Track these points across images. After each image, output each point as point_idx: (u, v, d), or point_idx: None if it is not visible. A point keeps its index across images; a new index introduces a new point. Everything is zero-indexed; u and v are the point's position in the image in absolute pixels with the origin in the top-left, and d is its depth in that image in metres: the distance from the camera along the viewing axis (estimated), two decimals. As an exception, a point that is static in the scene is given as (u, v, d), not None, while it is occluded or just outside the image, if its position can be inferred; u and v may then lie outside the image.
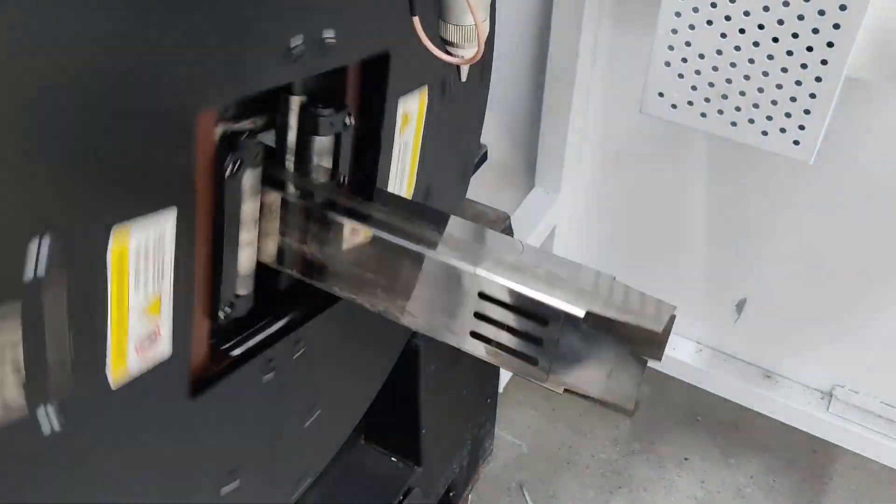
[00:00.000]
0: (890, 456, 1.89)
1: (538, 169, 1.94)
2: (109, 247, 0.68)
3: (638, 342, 0.74)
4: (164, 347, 0.78)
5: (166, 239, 0.73)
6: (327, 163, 0.91)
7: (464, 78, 0.78)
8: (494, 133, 1.91)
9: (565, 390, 0.75)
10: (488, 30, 0.73)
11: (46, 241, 0.62)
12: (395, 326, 0.87)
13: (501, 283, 0.76)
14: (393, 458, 1.41)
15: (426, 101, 0.98)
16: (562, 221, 2.00)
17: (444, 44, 0.73)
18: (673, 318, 0.74)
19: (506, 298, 0.76)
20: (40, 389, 0.66)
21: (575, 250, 2.05)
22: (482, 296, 0.77)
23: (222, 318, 0.85)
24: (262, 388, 0.92)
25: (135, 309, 0.73)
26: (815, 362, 1.93)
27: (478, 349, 0.80)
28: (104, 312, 0.70)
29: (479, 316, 0.78)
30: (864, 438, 1.88)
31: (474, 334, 0.79)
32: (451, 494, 1.60)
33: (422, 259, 0.80)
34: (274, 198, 0.85)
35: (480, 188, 1.41)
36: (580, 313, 0.72)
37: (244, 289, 0.87)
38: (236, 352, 0.89)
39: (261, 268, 0.89)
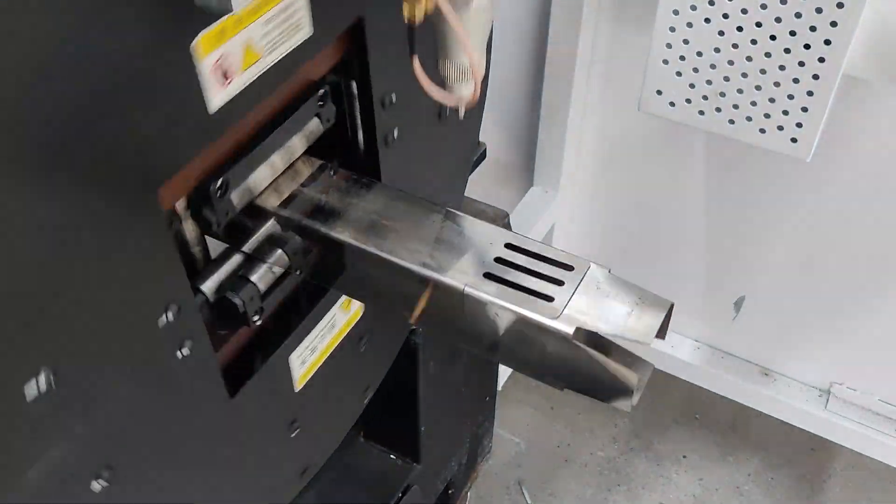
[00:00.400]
0: (888, 453, 1.89)
1: (537, 167, 1.94)
2: None
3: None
4: None
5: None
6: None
7: (462, 115, 0.77)
8: (493, 131, 1.91)
9: (577, 330, 0.72)
10: (485, 68, 0.73)
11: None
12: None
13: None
14: (392, 456, 1.41)
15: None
16: (560, 219, 2.00)
17: (442, 81, 0.73)
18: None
19: (535, 249, 0.76)
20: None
21: (573, 248, 2.05)
22: (508, 246, 0.77)
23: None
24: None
25: None
26: (813, 360, 1.93)
27: (488, 289, 0.77)
28: None
29: (500, 260, 0.77)
30: (862, 436, 1.89)
31: (488, 275, 0.77)
32: (450, 492, 1.60)
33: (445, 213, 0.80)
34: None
35: (479, 186, 1.41)
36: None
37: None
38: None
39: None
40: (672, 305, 0.74)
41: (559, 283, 0.75)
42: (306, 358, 0.98)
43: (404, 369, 1.25)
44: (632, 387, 0.73)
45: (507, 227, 1.45)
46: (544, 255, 0.78)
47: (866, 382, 1.89)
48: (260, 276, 0.83)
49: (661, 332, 0.72)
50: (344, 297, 0.99)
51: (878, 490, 2.03)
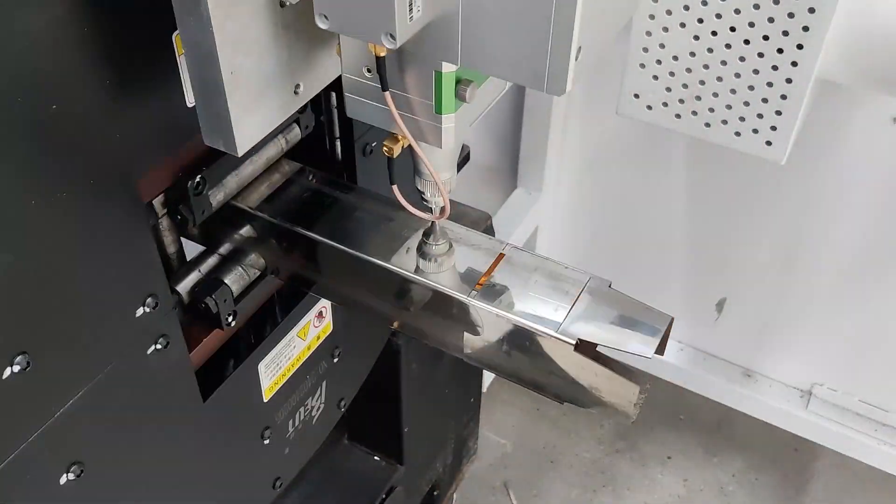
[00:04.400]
0: (869, 454, 1.90)
1: (520, 169, 1.95)
2: None
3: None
4: None
5: None
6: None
7: (438, 230, 0.80)
8: (477, 134, 1.92)
9: (579, 342, 0.73)
10: (454, 185, 0.78)
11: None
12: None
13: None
14: (376, 458, 1.41)
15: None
16: (544, 222, 2.01)
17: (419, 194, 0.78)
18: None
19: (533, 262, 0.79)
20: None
21: (557, 250, 2.06)
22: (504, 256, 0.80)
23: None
24: None
25: None
26: (795, 361, 1.94)
27: (489, 301, 0.79)
28: None
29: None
30: (843, 436, 1.90)
31: (487, 286, 0.79)
32: (434, 494, 1.61)
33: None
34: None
35: (462, 188, 1.41)
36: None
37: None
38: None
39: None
40: (672, 320, 0.74)
41: (560, 295, 0.77)
42: (276, 367, 0.98)
43: (387, 371, 1.25)
44: (633, 399, 0.74)
45: (490, 228, 1.46)
46: (543, 267, 0.80)
47: (847, 383, 1.90)
48: (234, 279, 0.84)
49: (661, 348, 0.73)
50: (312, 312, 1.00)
51: (860, 490, 2.04)
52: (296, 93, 0.70)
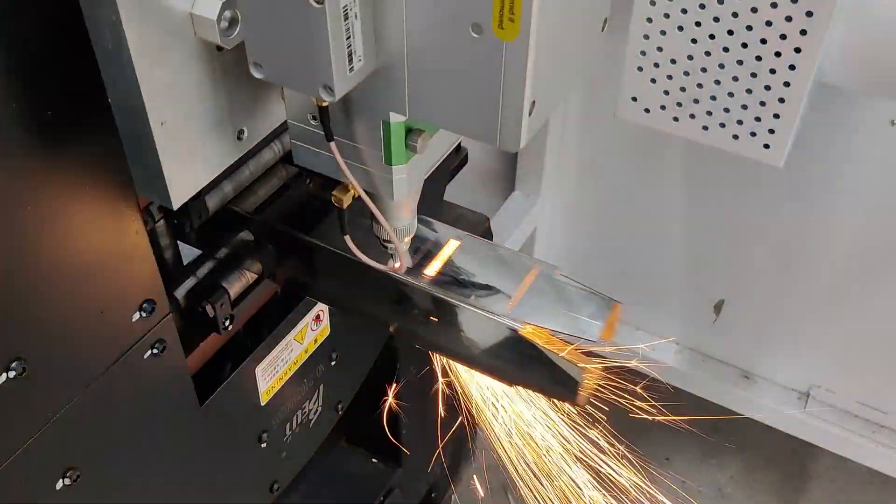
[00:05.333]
0: (867, 455, 1.90)
1: (518, 172, 1.95)
2: None
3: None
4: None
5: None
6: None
7: (402, 267, 0.79)
8: (475, 136, 1.91)
9: (525, 326, 0.74)
10: (414, 230, 0.75)
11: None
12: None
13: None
14: (374, 459, 1.41)
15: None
16: (541, 224, 2.01)
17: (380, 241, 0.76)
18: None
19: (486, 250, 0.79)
20: None
21: (555, 253, 2.06)
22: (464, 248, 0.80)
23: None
24: None
25: None
26: (793, 362, 1.94)
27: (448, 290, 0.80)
28: None
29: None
30: (841, 438, 1.90)
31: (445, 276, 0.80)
32: (432, 495, 1.61)
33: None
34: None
35: (460, 191, 1.42)
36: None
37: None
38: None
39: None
40: (618, 305, 0.75)
41: (511, 281, 0.77)
42: (273, 371, 0.98)
43: (385, 373, 1.25)
44: (578, 381, 0.74)
45: (488, 231, 1.46)
46: (496, 253, 0.81)
47: (845, 385, 1.90)
48: (231, 283, 0.83)
49: (609, 331, 0.74)
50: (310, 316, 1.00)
51: (859, 492, 2.04)
52: (239, 139, 0.65)
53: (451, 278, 0.78)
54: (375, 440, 1.39)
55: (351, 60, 0.54)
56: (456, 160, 1.36)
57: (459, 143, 1.40)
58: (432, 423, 1.46)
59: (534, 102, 0.54)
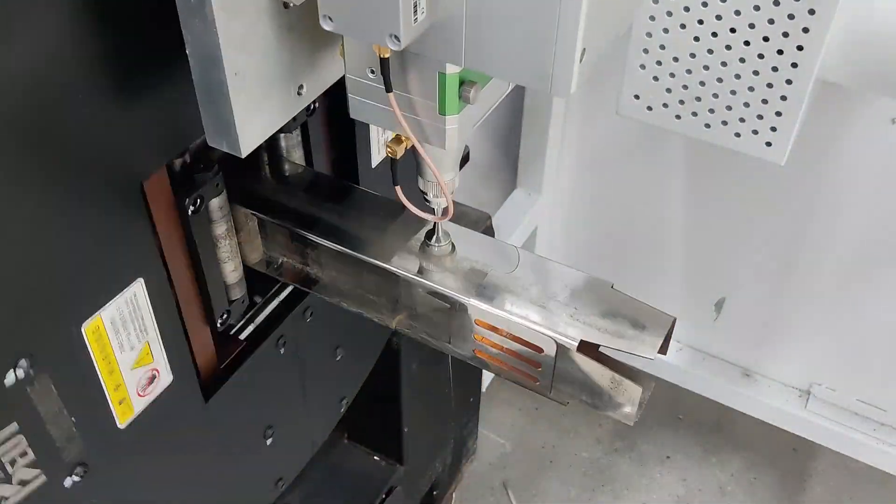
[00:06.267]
0: (867, 453, 1.91)
1: (520, 170, 1.95)
2: (85, 338, 0.70)
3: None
4: (164, 379, 0.80)
5: (140, 301, 0.75)
6: (299, 157, 0.92)
7: (441, 233, 0.81)
8: (476, 134, 1.92)
9: (581, 343, 0.74)
10: (457, 185, 0.79)
11: (22, 363, 0.64)
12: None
13: (494, 312, 0.76)
14: (375, 457, 1.42)
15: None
16: (543, 222, 2.01)
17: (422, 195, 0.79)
18: (673, 324, 0.74)
19: (499, 325, 0.77)
20: (52, 463, 0.69)
21: (556, 250, 2.06)
22: (478, 322, 0.79)
23: (220, 325, 0.87)
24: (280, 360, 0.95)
25: (126, 365, 0.75)
26: (794, 361, 1.95)
27: (482, 364, 0.81)
28: (97, 384, 0.72)
29: (479, 339, 0.80)
30: (841, 436, 1.90)
31: (477, 352, 0.81)
32: (434, 493, 1.61)
33: (409, 284, 0.81)
34: (245, 213, 0.86)
35: (462, 188, 1.42)
36: (573, 343, 0.73)
37: (237, 293, 0.88)
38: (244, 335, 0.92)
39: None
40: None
41: (536, 364, 0.77)
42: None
43: (387, 370, 1.25)
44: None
45: (490, 229, 1.46)
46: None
47: (846, 383, 1.91)
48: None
49: (664, 348, 0.74)
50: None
51: (860, 490, 2.05)
52: (299, 94, 0.70)
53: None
54: (377, 438, 1.40)
55: (416, 11, 0.58)
56: (458, 158, 1.36)
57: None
58: (434, 421, 1.46)
59: (584, 49, 0.57)
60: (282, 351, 0.96)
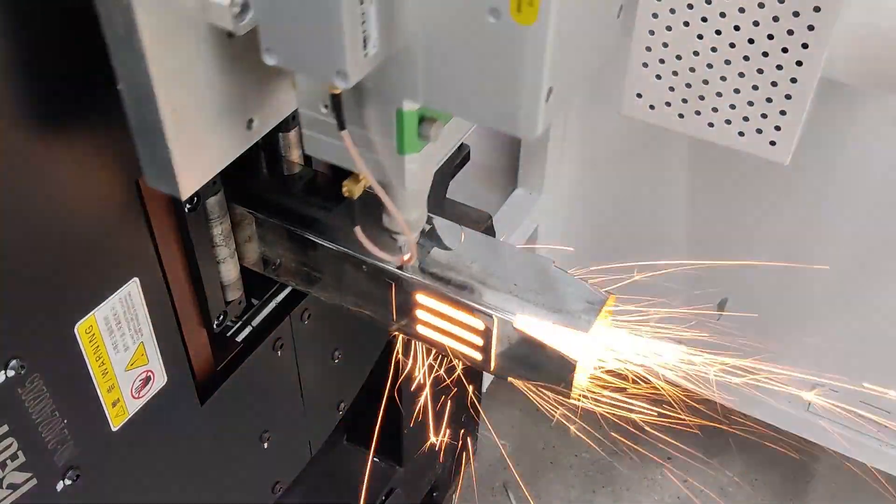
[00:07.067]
0: (870, 455, 1.90)
1: (520, 169, 1.94)
2: (77, 337, 0.68)
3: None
4: (159, 380, 0.79)
5: (135, 300, 0.73)
6: (297, 157, 0.91)
7: (412, 259, 0.79)
8: (477, 133, 1.91)
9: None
10: (424, 221, 0.76)
11: (13, 363, 0.63)
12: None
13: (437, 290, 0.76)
14: (375, 459, 1.41)
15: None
16: (544, 222, 2.00)
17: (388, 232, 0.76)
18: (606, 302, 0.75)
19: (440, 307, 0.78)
20: (44, 467, 0.68)
21: (557, 250, 2.05)
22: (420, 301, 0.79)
23: (217, 327, 0.86)
24: (277, 362, 0.94)
25: (120, 367, 0.73)
26: (796, 361, 1.93)
27: (427, 338, 0.82)
28: (91, 385, 0.71)
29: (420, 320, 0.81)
30: (844, 438, 1.89)
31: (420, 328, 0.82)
32: (434, 494, 1.60)
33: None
34: (242, 212, 0.85)
35: (462, 188, 1.41)
36: (511, 318, 0.74)
37: (234, 294, 0.87)
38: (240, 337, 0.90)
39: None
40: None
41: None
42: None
43: (386, 371, 1.24)
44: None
45: (491, 228, 1.45)
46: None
47: (849, 384, 1.89)
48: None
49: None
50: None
51: (862, 491, 2.04)
52: (249, 128, 0.65)
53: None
54: (376, 440, 1.39)
55: (365, 45, 0.54)
56: (458, 157, 1.35)
57: (462, 141, 1.39)
58: (434, 422, 1.45)
59: (551, 88, 0.53)
60: (279, 354, 0.95)
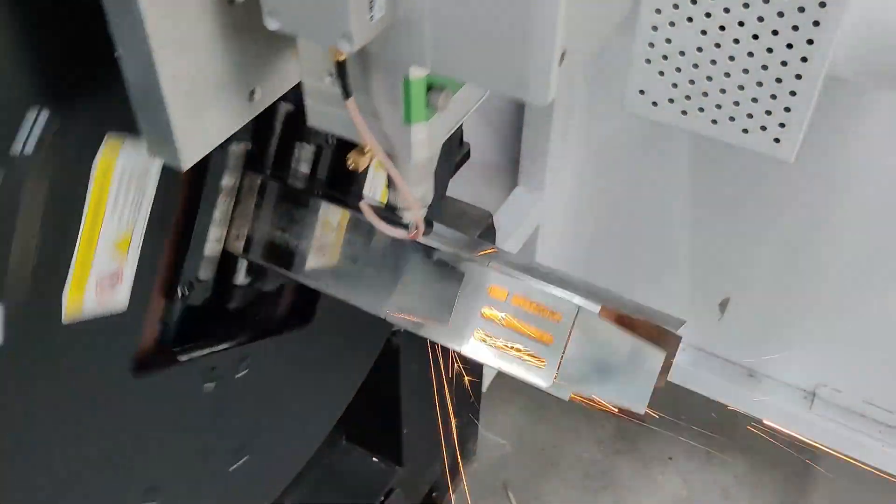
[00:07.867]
0: (873, 455, 1.89)
1: (521, 167, 1.93)
2: (98, 156, 0.64)
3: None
4: (121, 297, 0.74)
5: (151, 174, 0.70)
6: (306, 171, 0.90)
7: (417, 234, 0.76)
8: (477, 131, 1.90)
9: (572, 396, 0.72)
10: (431, 197, 0.73)
11: (44, 115, 0.58)
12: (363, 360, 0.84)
13: (517, 276, 0.72)
14: (374, 459, 1.40)
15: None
16: (545, 220, 1.99)
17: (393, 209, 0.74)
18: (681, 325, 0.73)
19: (520, 292, 0.73)
20: None
21: (558, 249, 2.04)
22: (492, 292, 0.75)
23: (179, 296, 0.83)
24: (201, 397, 0.88)
25: (105, 237, 0.69)
26: (799, 361, 1.93)
27: (480, 351, 0.76)
28: (77, 225, 0.66)
29: (486, 315, 0.76)
30: (847, 438, 1.89)
31: (477, 334, 0.76)
32: (433, 495, 1.60)
33: (418, 250, 0.77)
34: (253, 179, 0.82)
35: (463, 187, 1.40)
36: (595, 308, 0.71)
37: (205, 273, 0.86)
38: (183, 357, 0.87)
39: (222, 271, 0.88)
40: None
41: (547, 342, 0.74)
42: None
43: (386, 371, 1.24)
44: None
45: (491, 227, 1.44)
46: (531, 300, 0.76)
47: (851, 384, 1.89)
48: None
49: (662, 378, 0.72)
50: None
51: (864, 492, 2.03)
52: (251, 99, 0.63)
53: None
54: (376, 439, 1.38)
55: (371, 8, 0.52)
56: (458, 155, 1.34)
57: (462, 139, 1.38)
58: (433, 421, 1.44)
59: (564, 52, 0.51)
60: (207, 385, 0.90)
